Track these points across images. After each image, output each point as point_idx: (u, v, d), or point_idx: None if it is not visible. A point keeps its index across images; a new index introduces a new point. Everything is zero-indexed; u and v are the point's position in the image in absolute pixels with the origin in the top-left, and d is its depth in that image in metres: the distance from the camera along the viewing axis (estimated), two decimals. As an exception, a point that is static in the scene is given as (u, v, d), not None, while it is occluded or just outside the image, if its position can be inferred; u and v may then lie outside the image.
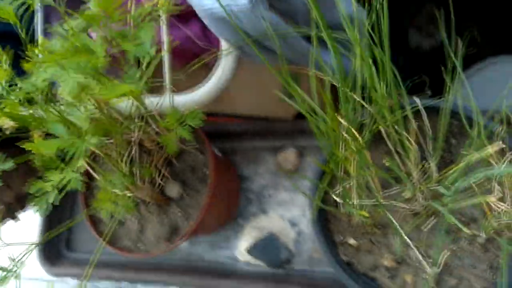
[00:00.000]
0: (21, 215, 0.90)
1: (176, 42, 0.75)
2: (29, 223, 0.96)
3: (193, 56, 0.70)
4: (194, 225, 0.65)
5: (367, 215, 0.50)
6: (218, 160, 0.71)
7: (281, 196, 0.83)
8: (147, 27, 0.51)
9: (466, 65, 1.33)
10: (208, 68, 0.68)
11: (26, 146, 0.49)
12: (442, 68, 0.54)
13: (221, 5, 0.51)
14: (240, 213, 0.85)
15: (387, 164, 0.45)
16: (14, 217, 0.88)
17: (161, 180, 0.67)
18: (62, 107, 0.55)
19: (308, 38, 0.64)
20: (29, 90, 0.53)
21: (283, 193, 0.82)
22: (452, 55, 0.54)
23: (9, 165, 0.57)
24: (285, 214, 0.82)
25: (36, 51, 0.52)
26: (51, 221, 0.98)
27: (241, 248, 0.83)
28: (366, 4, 0.50)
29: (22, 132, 0.55)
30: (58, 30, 0.56)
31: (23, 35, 0.57)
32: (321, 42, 0.62)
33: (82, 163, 0.55)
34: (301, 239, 0.80)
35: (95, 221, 0.74)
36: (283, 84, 0.56)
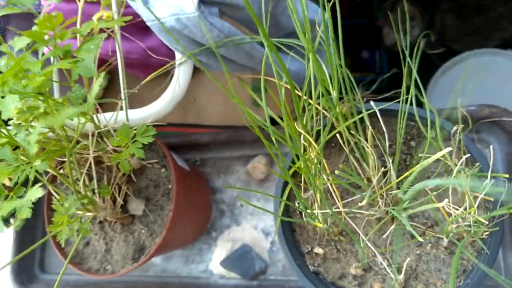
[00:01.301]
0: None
1: (134, 55, 0.73)
2: (2, 245, 0.94)
3: (159, 68, 0.68)
4: (159, 243, 0.63)
5: (320, 224, 0.49)
6: (182, 174, 0.69)
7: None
8: (90, 42, 0.49)
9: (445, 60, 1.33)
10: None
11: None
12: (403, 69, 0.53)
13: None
14: (213, 225, 0.83)
15: (336, 172, 0.43)
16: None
17: (123, 197, 0.65)
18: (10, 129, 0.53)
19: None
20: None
21: (255, 202, 0.81)
22: (407, 56, 0.54)
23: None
24: (258, 224, 0.80)
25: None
26: (23, 242, 0.96)
27: (215, 261, 0.81)
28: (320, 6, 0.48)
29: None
30: (2, 49, 0.54)
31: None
32: (278, 47, 0.61)
33: (38, 190, 0.53)
34: (275, 248, 0.79)
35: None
36: (249, 92, 0.55)
